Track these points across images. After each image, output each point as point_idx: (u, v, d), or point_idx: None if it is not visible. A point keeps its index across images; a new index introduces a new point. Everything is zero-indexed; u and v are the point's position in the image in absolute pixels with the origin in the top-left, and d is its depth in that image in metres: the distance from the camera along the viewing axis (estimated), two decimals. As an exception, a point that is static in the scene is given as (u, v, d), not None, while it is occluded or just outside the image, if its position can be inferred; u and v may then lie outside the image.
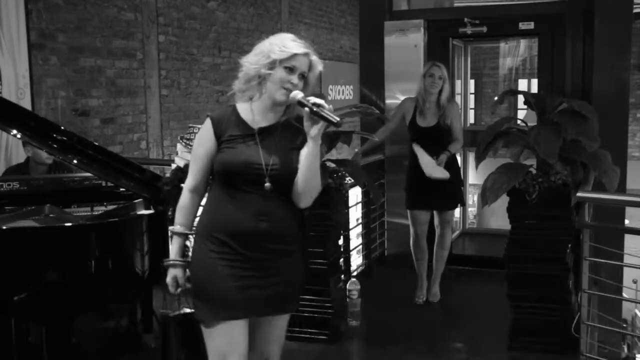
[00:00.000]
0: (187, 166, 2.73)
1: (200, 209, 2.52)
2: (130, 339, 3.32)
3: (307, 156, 2.34)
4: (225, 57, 6.73)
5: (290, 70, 2.35)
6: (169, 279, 2.51)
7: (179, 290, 2.52)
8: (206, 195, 2.52)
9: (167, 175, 3.54)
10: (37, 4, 4.66)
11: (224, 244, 2.38)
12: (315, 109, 2.28)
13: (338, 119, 2.28)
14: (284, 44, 2.36)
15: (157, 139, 6.03)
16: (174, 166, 3.60)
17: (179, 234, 2.50)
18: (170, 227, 2.54)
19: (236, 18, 7.07)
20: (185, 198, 2.49)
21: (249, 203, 2.37)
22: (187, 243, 2.54)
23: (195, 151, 2.48)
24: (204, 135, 2.44)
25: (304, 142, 2.37)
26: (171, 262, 2.50)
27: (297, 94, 2.34)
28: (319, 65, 2.42)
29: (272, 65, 2.35)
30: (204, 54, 6.61)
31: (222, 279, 2.36)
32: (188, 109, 6.30)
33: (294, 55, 2.35)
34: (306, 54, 2.37)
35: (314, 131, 2.31)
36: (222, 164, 2.39)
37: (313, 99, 2.30)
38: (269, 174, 2.34)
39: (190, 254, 2.53)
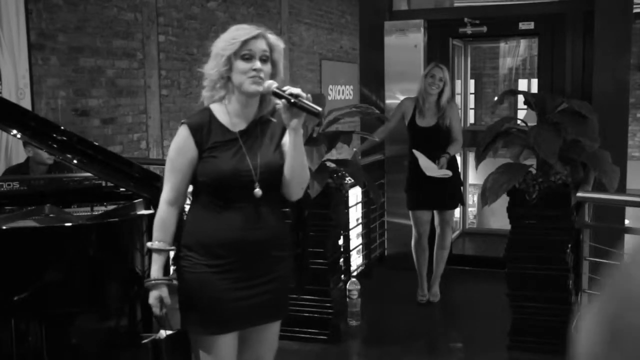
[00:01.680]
0: None
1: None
2: (130, 339, 3.32)
3: (291, 149, 2.25)
4: (225, 57, 6.74)
5: (248, 58, 2.24)
6: (152, 300, 2.33)
7: (164, 310, 2.34)
8: (188, 205, 2.41)
9: None
10: (37, 4, 4.66)
11: (216, 255, 2.27)
12: (293, 100, 2.15)
13: (319, 108, 2.18)
14: (232, 36, 2.27)
15: (157, 139, 6.03)
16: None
17: (159, 251, 2.33)
18: (149, 244, 2.36)
19: (236, 18, 7.07)
20: (163, 212, 2.32)
21: (239, 212, 2.27)
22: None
23: (173, 162, 2.32)
24: (183, 145, 2.29)
25: (283, 135, 2.32)
26: (153, 281, 2.32)
27: (272, 84, 2.22)
28: (279, 43, 2.31)
29: (229, 61, 2.25)
30: (204, 54, 6.62)
31: (215, 291, 2.26)
32: (188, 109, 6.30)
33: (245, 42, 2.24)
34: (257, 36, 2.26)
35: (294, 123, 2.20)
36: (209, 175, 2.27)
37: (290, 89, 2.18)
38: (258, 178, 2.25)
39: (172, 269, 2.43)
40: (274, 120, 2.34)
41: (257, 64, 2.23)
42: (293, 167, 2.28)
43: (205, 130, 2.30)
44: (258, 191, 2.26)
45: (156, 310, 2.33)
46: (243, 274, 2.29)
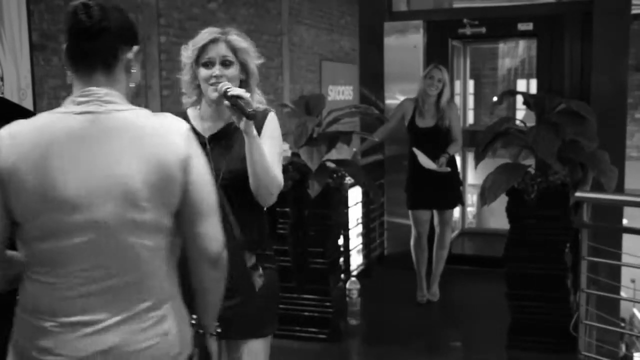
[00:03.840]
0: None
1: None
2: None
3: (248, 152, 2.12)
4: (226, 58, 6.76)
5: (208, 64, 2.19)
6: None
7: None
8: None
9: None
10: (39, 5, 4.68)
11: None
12: (230, 102, 2.07)
13: (251, 110, 2.05)
14: (193, 42, 2.22)
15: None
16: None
17: None
18: None
19: (237, 19, 7.09)
20: None
21: None
22: None
23: None
24: None
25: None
26: None
27: (223, 86, 2.13)
28: (241, 42, 2.21)
29: (191, 69, 2.23)
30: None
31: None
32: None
33: (203, 48, 2.19)
34: (215, 40, 2.19)
35: (241, 125, 2.09)
36: None
37: (232, 90, 2.10)
38: (220, 184, 2.12)
39: None
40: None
41: (216, 70, 2.18)
42: (254, 173, 2.13)
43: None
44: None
45: None
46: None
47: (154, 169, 1.51)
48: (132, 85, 1.63)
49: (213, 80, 2.18)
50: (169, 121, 1.60)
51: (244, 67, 2.24)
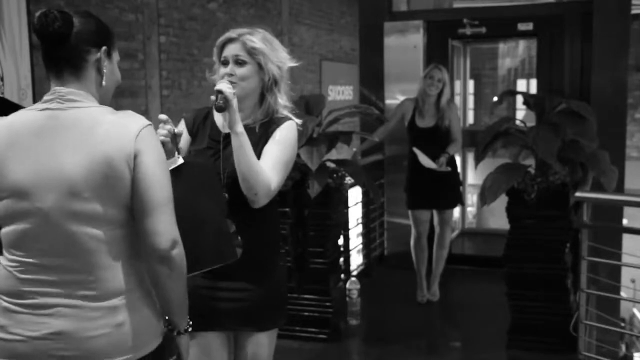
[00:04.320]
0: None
1: None
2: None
3: (233, 149, 2.15)
4: (226, 58, 6.77)
5: (225, 63, 2.25)
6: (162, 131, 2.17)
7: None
8: None
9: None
10: (39, 5, 4.69)
11: None
12: (215, 95, 2.12)
13: (220, 102, 2.09)
14: (217, 42, 2.29)
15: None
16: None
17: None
18: None
19: (237, 19, 7.09)
20: None
21: None
22: None
23: None
24: (180, 126, 2.35)
25: (263, 143, 2.23)
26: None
27: (219, 83, 2.17)
28: (256, 43, 2.22)
29: (216, 67, 2.30)
30: (205, 55, 6.63)
31: (196, 287, 2.20)
32: (189, 110, 6.32)
33: (221, 48, 2.26)
34: (232, 39, 2.24)
35: (225, 120, 2.16)
36: None
37: (218, 85, 2.14)
38: (225, 182, 2.20)
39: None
40: (254, 127, 2.26)
41: (228, 69, 2.23)
42: (238, 171, 2.14)
43: (199, 123, 2.33)
44: (225, 196, 2.21)
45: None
46: (218, 274, 2.23)
47: (98, 163, 1.59)
48: (104, 84, 1.73)
49: (226, 78, 2.21)
50: (125, 119, 1.67)
51: (261, 68, 2.25)
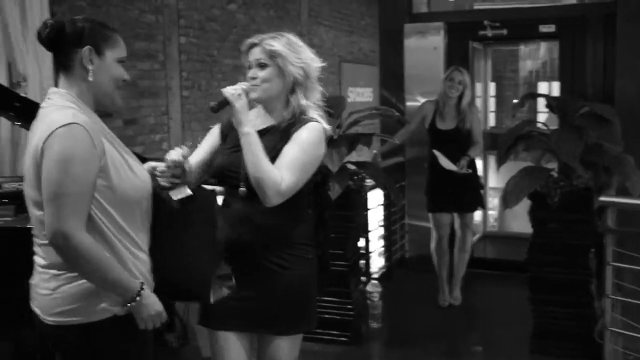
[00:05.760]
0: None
1: None
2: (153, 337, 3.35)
3: (242, 150, 2.21)
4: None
5: (249, 67, 2.33)
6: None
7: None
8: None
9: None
10: (62, 6, 4.71)
11: None
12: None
13: (214, 103, 2.24)
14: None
15: (179, 140, 6.06)
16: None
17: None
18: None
19: (256, 20, 7.09)
20: None
21: (231, 207, 2.32)
22: None
23: (205, 138, 2.48)
24: (212, 131, 2.47)
25: (284, 143, 2.26)
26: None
27: (236, 85, 2.27)
28: (275, 46, 2.28)
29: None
30: (224, 56, 6.64)
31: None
32: (209, 111, 6.35)
33: (246, 53, 2.34)
34: (254, 44, 2.32)
35: (233, 119, 2.25)
36: (212, 169, 2.39)
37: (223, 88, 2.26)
38: (243, 178, 2.24)
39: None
40: (278, 129, 2.32)
41: (250, 72, 2.31)
42: (248, 170, 2.19)
43: (230, 127, 2.36)
44: (242, 190, 2.27)
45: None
46: (236, 273, 2.29)
47: (31, 156, 1.88)
48: (91, 78, 1.93)
49: (249, 81, 2.29)
50: (54, 116, 1.87)
51: (281, 71, 2.29)
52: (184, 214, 2.09)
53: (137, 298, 1.91)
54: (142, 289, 1.92)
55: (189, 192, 2.11)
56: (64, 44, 1.93)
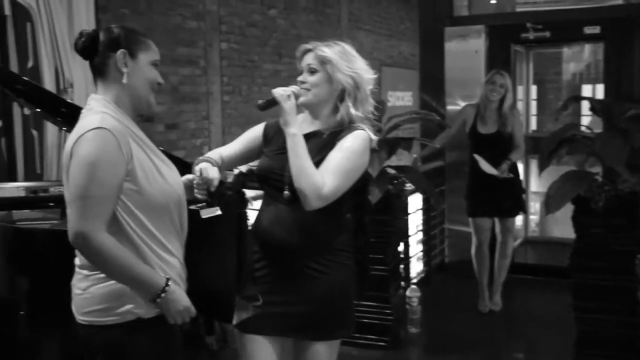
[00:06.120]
0: (249, 171, 2.73)
1: None
2: (193, 340, 3.39)
3: (287, 150, 2.24)
4: (286, 64, 6.79)
5: (301, 72, 2.37)
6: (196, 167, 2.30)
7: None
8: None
9: (230, 180, 3.59)
10: (107, 14, 4.81)
11: (256, 252, 2.34)
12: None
13: (261, 101, 2.30)
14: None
15: (219, 144, 6.12)
16: (236, 171, 3.66)
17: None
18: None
19: (296, 25, 7.13)
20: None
21: (273, 209, 2.33)
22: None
23: (244, 133, 2.50)
24: (257, 128, 2.47)
25: (329, 149, 2.27)
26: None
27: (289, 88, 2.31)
28: (326, 53, 2.30)
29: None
30: (265, 61, 6.68)
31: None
32: (249, 115, 6.38)
33: (300, 58, 2.38)
34: (308, 50, 2.36)
35: (280, 120, 2.27)
36: (257, 168, 2.41)
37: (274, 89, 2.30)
38: (288, 181, 2.25)
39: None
40: (324, 134, 2.33)
41: (301, 77, 2.35)
42: (291, 171, 2.21)
43: (276, 130, 2.38)
44: (286, 194, 2.27)
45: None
46: (274, 277, 2.31)
47: (64, 157, 1.95)
48: (125, 81, 1.97)
49: (299, 85, 2.33)
50: (85, 120, 1.94)
51: (330, 77, 2.31)
52: (211, 234, 2.12)
53: (163, 294, 1.93)
54: (167, 284, 1.94)
55: (218, 212, 2.14)
56: (99, 51, 1.99)
